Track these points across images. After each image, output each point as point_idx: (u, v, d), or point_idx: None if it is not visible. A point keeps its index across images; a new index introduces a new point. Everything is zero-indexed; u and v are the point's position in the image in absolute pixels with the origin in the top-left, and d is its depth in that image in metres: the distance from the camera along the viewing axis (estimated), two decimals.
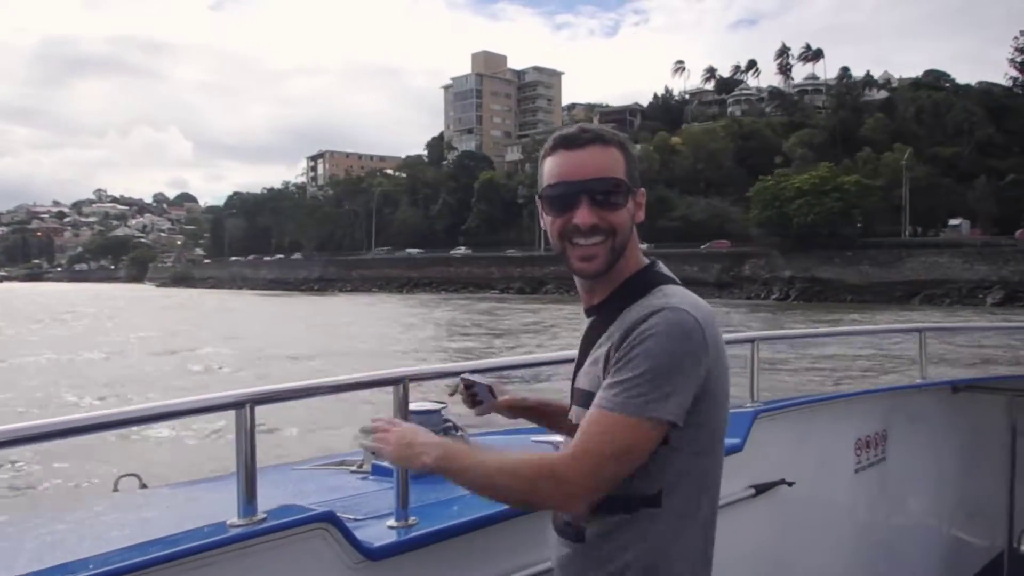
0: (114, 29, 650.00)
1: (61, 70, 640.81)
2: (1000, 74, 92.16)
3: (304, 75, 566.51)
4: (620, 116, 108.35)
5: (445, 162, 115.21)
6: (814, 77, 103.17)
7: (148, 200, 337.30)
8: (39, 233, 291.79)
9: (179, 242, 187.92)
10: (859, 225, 57.91)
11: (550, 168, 1.67)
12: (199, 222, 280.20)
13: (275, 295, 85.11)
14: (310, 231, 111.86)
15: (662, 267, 1.73)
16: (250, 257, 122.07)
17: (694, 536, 1.66)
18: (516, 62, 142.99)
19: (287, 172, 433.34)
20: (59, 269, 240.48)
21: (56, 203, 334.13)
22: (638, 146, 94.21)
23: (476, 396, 2.06)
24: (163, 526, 1.99)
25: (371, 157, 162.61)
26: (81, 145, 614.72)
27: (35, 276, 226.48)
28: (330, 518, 1.87)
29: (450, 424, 2.79)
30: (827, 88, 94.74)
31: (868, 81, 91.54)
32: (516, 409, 2.09)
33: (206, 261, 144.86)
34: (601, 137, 1.66)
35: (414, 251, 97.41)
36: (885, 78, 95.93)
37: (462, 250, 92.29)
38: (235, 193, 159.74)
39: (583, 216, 1.62)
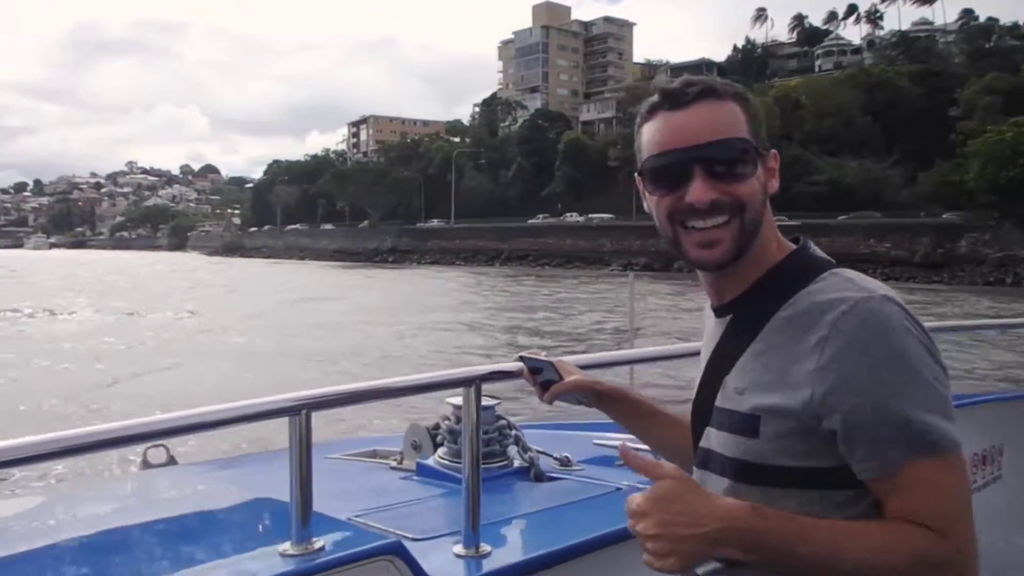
0: (136, 12, 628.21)
1: (89, 52, 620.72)
2: None
3: (305, 52, 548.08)
4: (695, 72, 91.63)
5: (505, 123, 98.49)
6: (926, 21, 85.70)
7: (175, 172, 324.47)
8: (80, 203, 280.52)
9: (228, 211, 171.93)
10: None
11: (650, 135, 1.20)
12: (223, 192, 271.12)
13: (354, 267, 69.34)
14: (378, 199, 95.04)
15: (816, 249, 1.23)
16: (323, 226, 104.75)
17: None
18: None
19: (295, 144, 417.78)
20: (101, 237, 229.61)
21: (93, 174, 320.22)
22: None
23: (543, 377, 1.58)
24: (195, 523, 1.82)
25: (415, 122, 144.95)
26: (109, 121, 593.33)
27: (80, 244, 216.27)
28: (397, 550, 1.53)
29: (504, 423, 2.32)
30: (944, 33, 77.90)
31: (988, 25, 73.81)
32: (588, 392, 1.53)
33: (252, 230, 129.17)
34: (712, 90, 1.18)
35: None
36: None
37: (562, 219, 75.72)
38: (275, 161, 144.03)
39: (698, 192, 1.14)
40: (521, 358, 1.63)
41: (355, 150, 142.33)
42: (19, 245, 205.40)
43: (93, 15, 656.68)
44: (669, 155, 1.15)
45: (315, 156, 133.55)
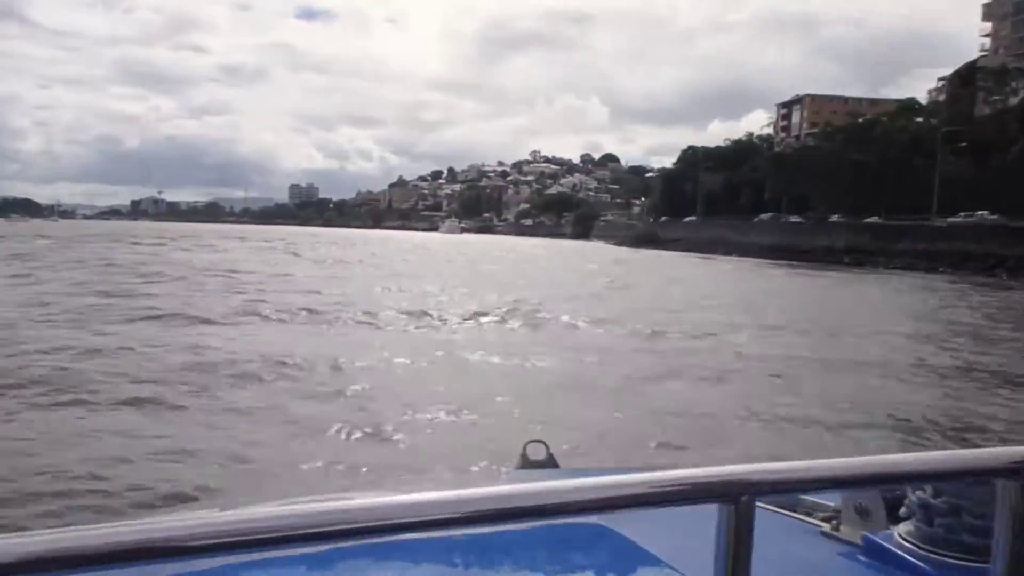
0: (544, 4, 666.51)
1: (499, 47, 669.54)
2: None
3: (712, 33, 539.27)
4: None
5: (999, 96, 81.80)
6: None
7: (575, 160, 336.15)
8: (488, 190, 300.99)
9: (643, 199, 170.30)
10: None
11: None
12: (622, 181, 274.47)
13: (807, 270, 59.66)
14: (828, 188, 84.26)
15: None
16: (790, 217, 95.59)
17: None
18: None
19: (694, 133, 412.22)
20: (506, 222, 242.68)
21: (500, 163, 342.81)
22: None
23: None
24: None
25: (860, 101, 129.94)
26: (514, 113, 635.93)
27: (487, 229, 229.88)
28: None
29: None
30: None
31: None
32: None
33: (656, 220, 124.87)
34: None
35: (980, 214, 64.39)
36: None
37: None
38: (690, 148, 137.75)
39: None
40: None
41: (784, 134, 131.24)
42: (434, 228, 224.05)
43: (504, 11, 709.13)
44: None
45: (737, 141, 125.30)
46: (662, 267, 57.10)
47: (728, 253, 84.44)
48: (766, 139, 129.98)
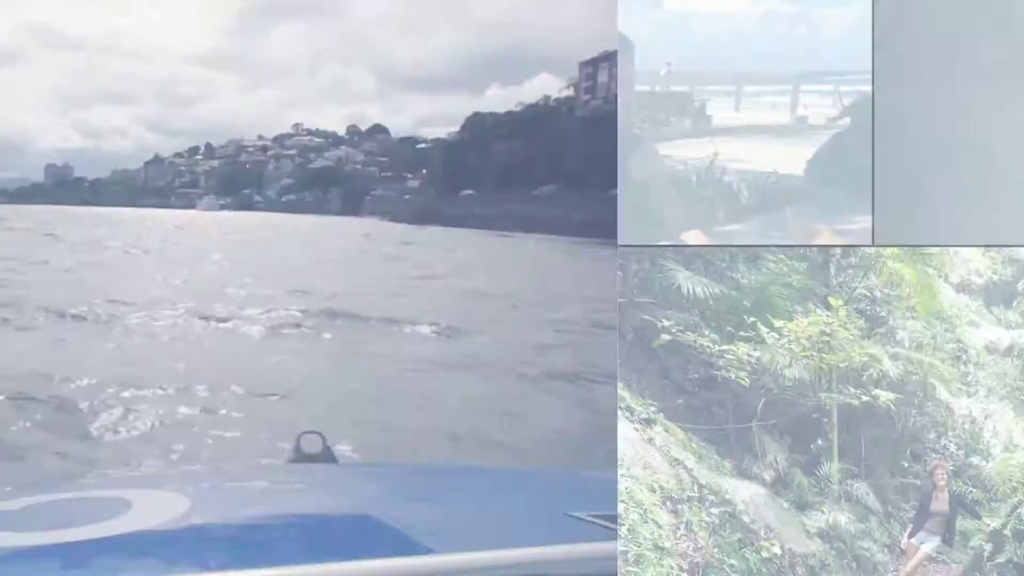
0: None
1: (259, 19, 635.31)
2: None
3: None
4: None
5: None
6: None
7: (341, 133, 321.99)
8: (248, 166, 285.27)
9: (415, 173, 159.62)
10: None
11: None
12: (392, 153, 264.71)
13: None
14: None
15: None
16: None
17: None
18: None
19: (471, 101, 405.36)
20: (267, 199, 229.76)
21: (261, 137, 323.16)
22: None
23: None
24: None
25: None
26: (276, 86, 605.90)
27: (247, 206, 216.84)
28: None
29: None
30: None
31: None
32: None
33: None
34: None
35: None
36: None
37: None
38: (476, 114, 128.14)
39: None
40: None
41: (588, 96, 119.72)
42: (192, 206, 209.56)
43: None
44: None
45: (532, 106, 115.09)
46: (466, 248, 49.28)
47: (530, 230, 73.28)
48: (565, 102, 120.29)
